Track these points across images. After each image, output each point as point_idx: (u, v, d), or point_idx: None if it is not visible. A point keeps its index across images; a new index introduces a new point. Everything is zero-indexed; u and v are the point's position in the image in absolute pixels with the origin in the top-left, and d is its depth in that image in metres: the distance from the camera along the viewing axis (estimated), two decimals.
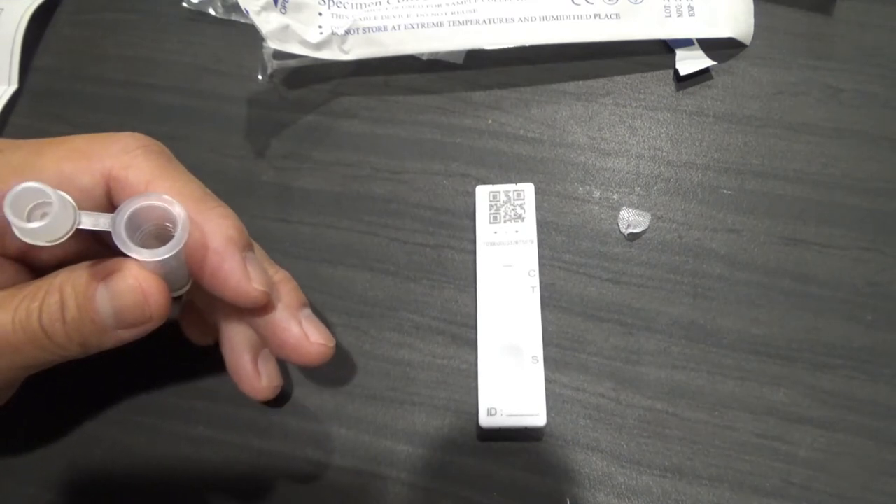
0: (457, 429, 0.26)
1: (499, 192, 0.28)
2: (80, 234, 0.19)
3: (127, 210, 0.18)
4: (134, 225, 0.19)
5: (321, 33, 0.31)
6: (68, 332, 0.19)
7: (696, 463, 0.25)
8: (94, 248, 0.23)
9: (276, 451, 0.26)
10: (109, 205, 0.21)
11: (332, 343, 0.23)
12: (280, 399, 0.27)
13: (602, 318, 0.27)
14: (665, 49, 0.32)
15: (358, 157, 0.31)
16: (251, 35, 0.31)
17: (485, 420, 0.24)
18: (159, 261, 0.18)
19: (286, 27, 0.30)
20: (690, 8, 0.31)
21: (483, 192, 0.28)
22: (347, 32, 0.31)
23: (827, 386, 0.25)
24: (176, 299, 0.23)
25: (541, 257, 0.28)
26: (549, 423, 0.25)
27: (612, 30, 0.31)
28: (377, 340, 0.27)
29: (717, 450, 0.25)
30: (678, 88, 0.31)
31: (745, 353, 0.26)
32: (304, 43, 0.30)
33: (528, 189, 0.28)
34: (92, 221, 0.18)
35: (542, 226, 0.29)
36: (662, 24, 0.31)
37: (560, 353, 0.26)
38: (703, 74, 0.31)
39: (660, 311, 0.27)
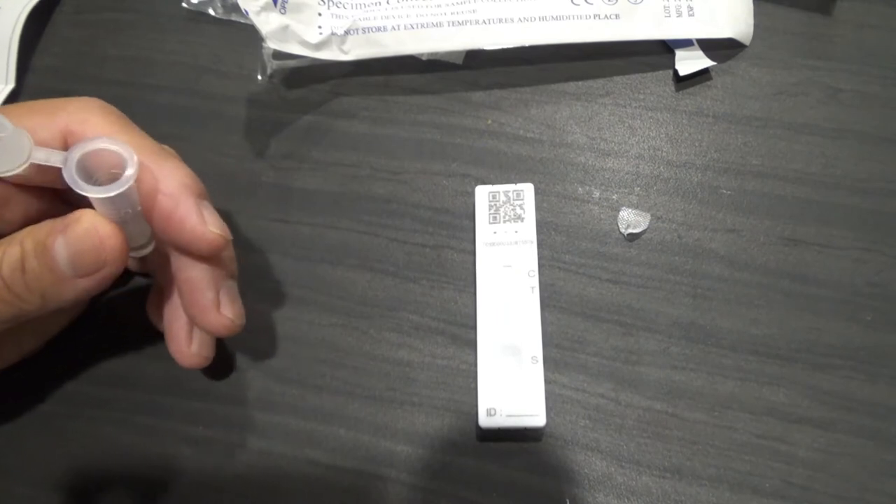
0: (456, 429, 0.26)
1: (498, 192, 0.28)
2: (46, 194, 0.21)
3: (79, 149, 0.19)
4: (87, 172, 0.19)
5: (321, 33, 0.31)
6: (28, 282, 0.20)
7: (696, 463, 0.25)
8: (62, 210, 0.23)
9: (276, 451, 0.26)
10: None
11: (239, 321, 0.24)
12: (280, 399, 0.27)
13: (602, 319, 0.27)
14: (664, 49, 0.32)
15: (357, 158, 0.31)
16: (251, 35, 0.31)
17: (484, 420, 0.24)
18: (111, 201, 0.19)
19: (286, 27, 0.30)
20: (690, 8, 0.31)
21: (483, 193, 0.28)
22: (347, 33, 0.31)
23: (827, 386, 0.25)
24: (142, 263, 0.24)
25: (540, 257, 0.28)
26: (548, 423, 0.25)
27: (612, 30, 0.31)
28: (377, 340, 0.27)
29: (717, 450, 0.25)
30: (678, 89, 0.31)
31: (744, 353, 0.26)
32: (304, 43, 0.30)
33: (527, 189, 0.28)
34: (45, 156, 0.19)
35: (542, 226, 0.29)
36: (662, 24, 0.31)
37: (560, 353, 0.26)
38: (702, 75, 0.31)
39: (659, 311, 0.27)
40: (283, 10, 0.30)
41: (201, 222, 0.22)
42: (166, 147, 0.23)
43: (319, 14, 0.31)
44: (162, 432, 0.26)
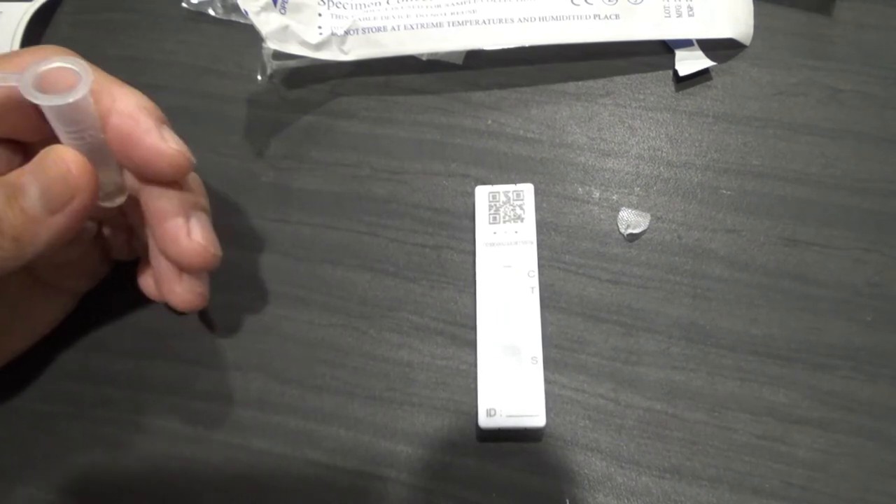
0: (456, 429, 0.26)
1: (498, 192, 0.28)
2: (15, 151, 0.21)
3: (34, 66, 0.19)
4: (42, 92, 0.19)
5: (321, 34, 0.31)
6: (1, 227, 0.19)
7: (696, 464, 0.25)
8: None
9: (276, 451, 0.26)
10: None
11: (214, 249, 0.24)
12: (280, 399, 0.27)
13: (602, 319, 0.27)
14: (665, 49, 0.32)
15: (357, 158, 0.31)
16: (251, 35, 0.31)
17: (484, 421, 0.24)
18: (71, 119, 0.19)
19: (286, 28, 0.30)
20: (690, 8, 0.31)
21: (482, 193, 0.28)
22: (347, 33, 0.31)
23: (827, 386, 0.25)
24: (128, 248, 0.24)
25: (540, 258, 0.28)
26: (548, 423, 0.25)
27: (612, 30, 0.31)
28: (377, 341, 0.27)
29: (717, 450, 0.25)
30: (678, 89, 0.31)
31: (744, 353, 0.26)
32: (304, 43, 0.30)
33: (527, 189, 0.28)
34: (1, 78, 0.19)
35: (542, 226, 0.29)
36: (662, 24, 0.31)
37: (559, 353, 0.26)
38: (702, 75, 0.31)
39: (659, 311, 0.27)
40: (283, 11, 0.30)
41: (161, 140, 0.21)
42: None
43: (319, 14, 0.31)
44: (162, 432, 0.26)
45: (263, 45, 0.31)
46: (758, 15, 0.32)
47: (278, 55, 0.32)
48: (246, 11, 0.29)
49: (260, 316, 0.28)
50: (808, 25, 0.32)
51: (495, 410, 0.24)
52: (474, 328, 0.26)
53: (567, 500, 0.24)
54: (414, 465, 0.25)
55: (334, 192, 0.30)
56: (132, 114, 0.21)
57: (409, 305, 0.28)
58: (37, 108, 0.20)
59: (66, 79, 0.20)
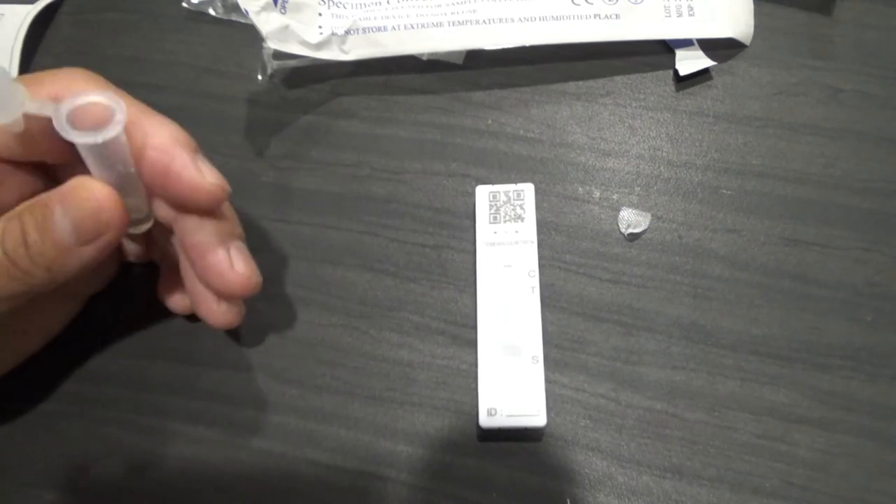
0: (457, 429, 0.26)
1: (499, 192, 0.28)
2: (40, 173, 0.21)
3: (69, 101, 0.19)
4: (75, 126, 0.19)
5: (321, 33, 0.31)
6: (32, 255, 0.20)
7: (696, 463, 0.25)
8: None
9: (276, 451, 0.26)
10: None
11: (256, 278, 0.24)
12: (280, 399, 0.27)
13: (602, 319, 0.27)
14: (665, 49, 0.32)
15: (358, 157, 0.31)
16: (251, 35, 0.31)
17: (485, 420, 0.24)
18: (103, 155, 0.19)
19: (286, 27, 0.30)
20: (690, 8, 0.31)
21: (483, 193, 0.28)
22: (347, 32, 0.31)
23: (827, 386, 0.25)
24: (146, 249, 0.24)
25: (541, 257, 0.28)
26: (549, 423, 0.25)
27: (612, 30, 0.31)
28: (377, 340, 0.27)
29: (717, 450, 0.25)
30: (678, 89, 0.31)
31: (745, 353, 0.26)
32: (304, 43, 0.30)
33: (527, 189, 0.28)
34: (37, 107, 0.19)
35: (542, 226, 0.29)
36: (662, 24, 0.31)
37: (560, 353, 0.26)
38: (702, 74, 0.31)
39: (660, 311, 0.27)
40: (283, 10, 0.30)
41: (199, 174, 0.21)
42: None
43: (320, 14, 0.31)
44: (162, 432, 0.26)
45: (264, 44, 0.31)
46: (758, 15, 0.32)
47: (278, 55, 0.32)
48: (246, 11, 0.29)
49: (260, 316, 0.28)
50: (809, 25, 0.32)
51: (496, 410, 0.24)
52: (475, 328, 0.26)
53: (568, 500, 0.24)
54: (414, 464, 0.25)
55: (334, 192, 0.30)
56: (167, 148, 0.21)
57: (409, 305, 0.28)
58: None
59: (100, 112, 0.19)
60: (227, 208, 0.24)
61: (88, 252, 0.20)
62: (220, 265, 0.23)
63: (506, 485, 0.25)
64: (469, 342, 0.27)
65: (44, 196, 0.20)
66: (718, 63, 0.31)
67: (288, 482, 0.25)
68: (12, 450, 0.26)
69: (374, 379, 0.27)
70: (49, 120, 0.19)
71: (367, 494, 0.25)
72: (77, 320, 0.28)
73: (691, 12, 0.31)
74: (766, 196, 0.29)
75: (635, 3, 0.31)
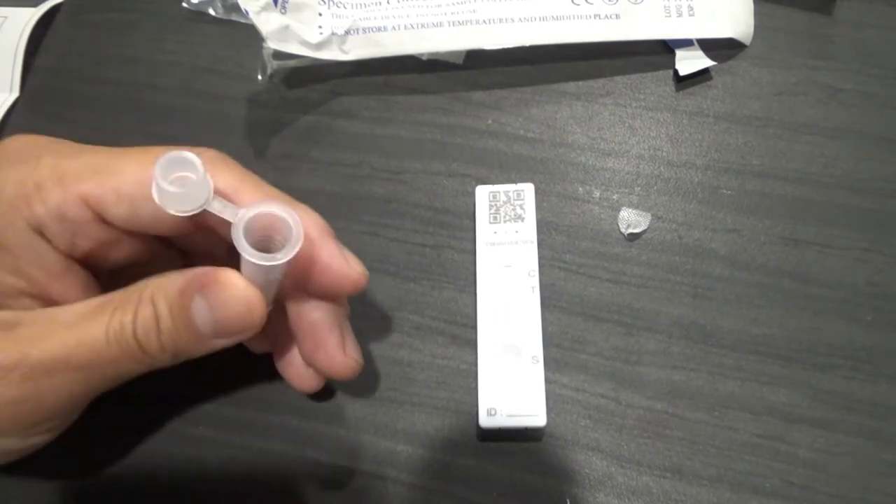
0: (457, 429, 0.26)
1: (499, 192, 0.28)
2: (151, 237, 0.20)
3: (250, 210, 0.18)
4: (246, 231, 0.18)
5: (321, 33, 0.31)
6: (163, 342, 0.19)
7: (696, 463, 0.25)
8: (160, 251, 0.23)
9: (276, 451, 0.26)
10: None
11: (362, 362, 0.24)
12: (280, 399, 0.27)
13: (602, 319, 0.27)
14: (665, 49, 0.32)
15: (358, 157, 0.31)
16: (251, 35, 0.31)
17: (485, 420, 0.24)
18: (267, 268, 0.18)
19: (286, 27, 0.30)
20: (690, 8, 0.31)
21: (483, 193, 0.28)
22: (347, 32, 0.31)
23: (827, 386, 0.25)
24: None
25: (541, 257, 0.28)
26: (549, 423, 0.25)
27: (612, 30, 0.31)
28: (377, 340, 0.27)
29: (717, 450, 0.25)
30: (678, 88, 0.31)
31: (745, 353, 0.26)
32: (304, 43, 0.30)
33: (527, 189, 0.28)
34: (220, 207, 0.19)
35: (542, 226, 0.29)
36: (662, 24, 0.31)
37: (560, 353, 0.26)
38: (702, 74, 0.31)
39: (660, 311, 0.27)
40: (283, 10, 0.30)
41: (347, 264, 0.21)
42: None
43: (320, 14, 0.31)
44: (162, 432, 0.26)
45: (264, 44, 0.31)
46: (758, 14, 0.32)
47: (278, 55, 0.32)
48: (246, 11, 0.29)
49: None
50: (809, 25, 0.32)
51: (496, 410, 0.24)
52: (475, 328, 0.26)
53: (567, 500, 0.24)
54: (414, 464, 0.25)
55: (334, 191, 0.30)
56: (315, 239, 0.21)
57: (409, 305, 0.28)
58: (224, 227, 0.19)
59: (268, 220, 0.19)
60: None
61: (222, 343, 0.20)
62: (333, 347, 0.23)
63: (506, 485, 0.25)
64: (469, 342, 0.27)
65: (180, 281, 0.19)
66: (718, 63, 0.31)
67: (288, 482, 0.25)
68: None
69: (374, 379, 0.27)
70: (206, 219, 0.18)
71: (367, 494, 0.25)
72: None
73: (691, 12, 0.31)
74: (766, 196, 0.29)
75: (635, 3, 0.31)
